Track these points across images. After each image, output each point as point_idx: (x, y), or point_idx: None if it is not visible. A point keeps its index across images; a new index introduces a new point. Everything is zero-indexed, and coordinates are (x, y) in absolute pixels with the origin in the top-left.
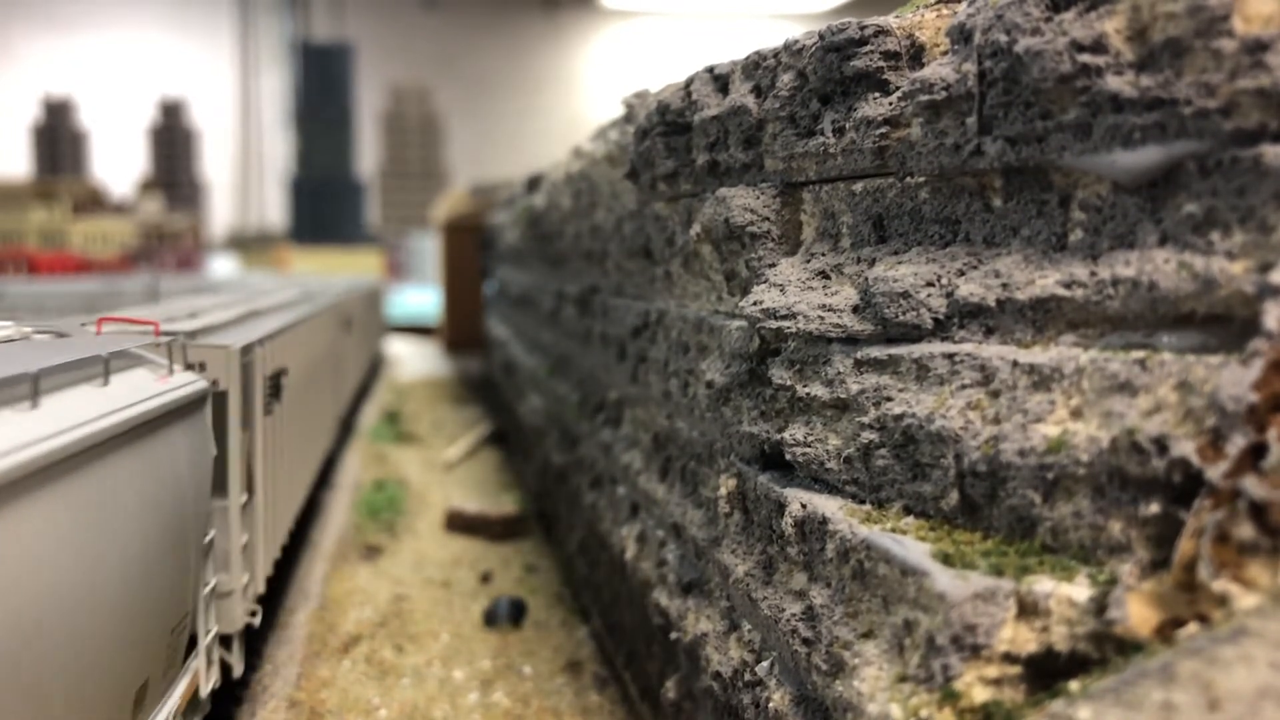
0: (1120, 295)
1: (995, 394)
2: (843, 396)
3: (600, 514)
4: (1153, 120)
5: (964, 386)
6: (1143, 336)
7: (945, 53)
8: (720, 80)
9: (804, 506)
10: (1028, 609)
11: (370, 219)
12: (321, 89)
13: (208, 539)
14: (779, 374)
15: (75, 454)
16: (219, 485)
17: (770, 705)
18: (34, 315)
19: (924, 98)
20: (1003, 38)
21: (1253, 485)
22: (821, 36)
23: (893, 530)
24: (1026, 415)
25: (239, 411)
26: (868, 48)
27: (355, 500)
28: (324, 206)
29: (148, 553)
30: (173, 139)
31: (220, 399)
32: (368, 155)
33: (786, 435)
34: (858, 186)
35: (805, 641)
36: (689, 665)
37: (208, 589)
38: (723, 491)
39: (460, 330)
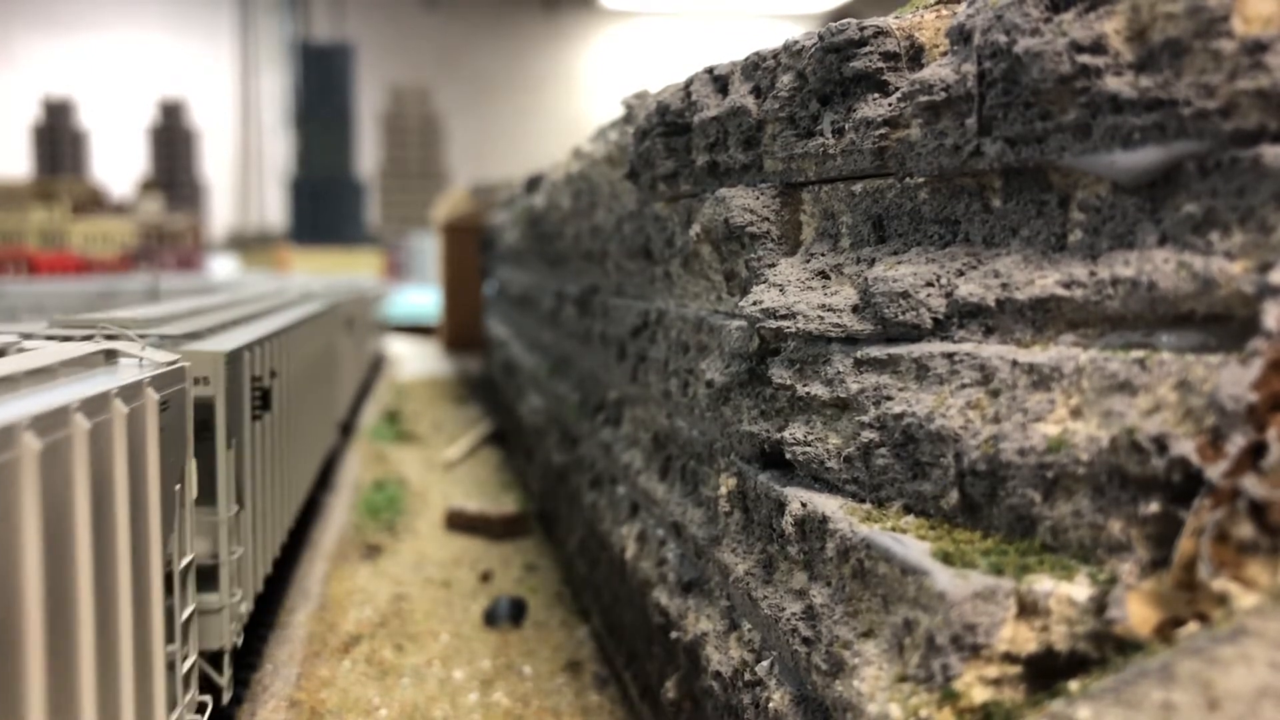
0: (1120, 295)
1: (995, 393)
2: (843, 396)
3: (600, 513)
4: (1152, 121)
5: (964, 386)
6: (1142, 336)
7: (945, 53)
8: (720, 81)
9: (804, 505)
10: (1028, 608)
11: (370, 219)
12: (321, 89)
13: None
14: (779, 373)
15: None
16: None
17: (770, 705)
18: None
19: (923, 98)
20: (1002, 38)
21: (1252, 484)
22: (821, 37)
23: (893, 529)
24: (1026, 415)
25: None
26: (867, 48)
27: (355, 500)
28: (324, 207)
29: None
30: (173, 139)
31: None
32: (368, 155)
33: (786, 434)
34: (857, 187)
35: (805, 641)
36: (689, 665)
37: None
38: (723, 491)
39: (460, 330)
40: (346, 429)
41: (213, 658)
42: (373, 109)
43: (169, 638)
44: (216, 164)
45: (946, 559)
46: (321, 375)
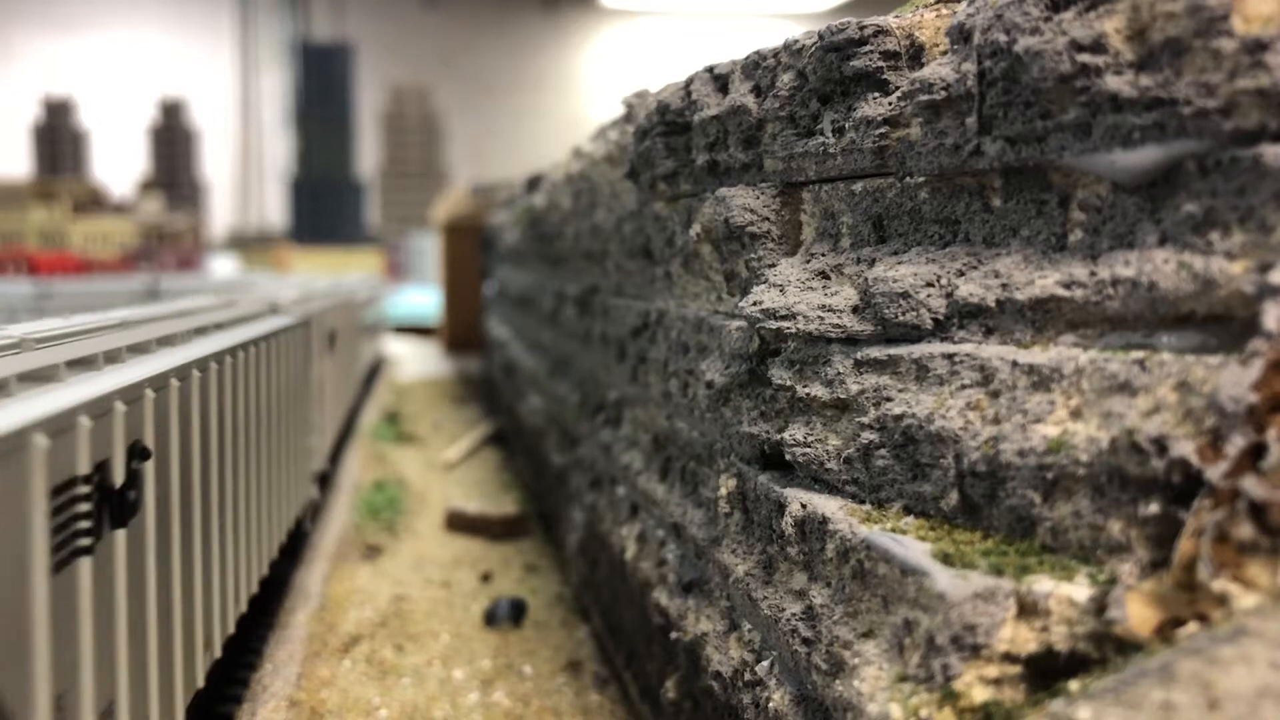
0: (1120, 295)
1: (995, 394)
2: (843, 397)
3: (600, 514)
4: (1152, 120)
5: (964, 387)
6: (1142, 336)
7: (945, 53)
8: (720, 80)
9: (804, 506)
10: (1027, 609)
11: (370, 219)
12: (321, 89)
13: None
14: (779, 374)
15: None
16: None
17: (770, 705)
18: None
19: (924, 98)
20: (1002, 37)
21: (1252, 485)
22: (821, 36)
23: (893, 530)
24: (1026, 415)
25: None
26: (867, 48)
27: (355, 500)
28: (324, 206)
29: None
30: (173, 139)
31: None
32: (368, 155)
33: (786, 435)
34: (857, 186)
35: (805, 641)
36: (689, 665)
37: None
38: (723, 491)
39: (460, 330)
40: (327, 479)
41: None
42: (373, 109)
43: None
44: (216, 164)
45: (946, 560)
46: (279, 421)
